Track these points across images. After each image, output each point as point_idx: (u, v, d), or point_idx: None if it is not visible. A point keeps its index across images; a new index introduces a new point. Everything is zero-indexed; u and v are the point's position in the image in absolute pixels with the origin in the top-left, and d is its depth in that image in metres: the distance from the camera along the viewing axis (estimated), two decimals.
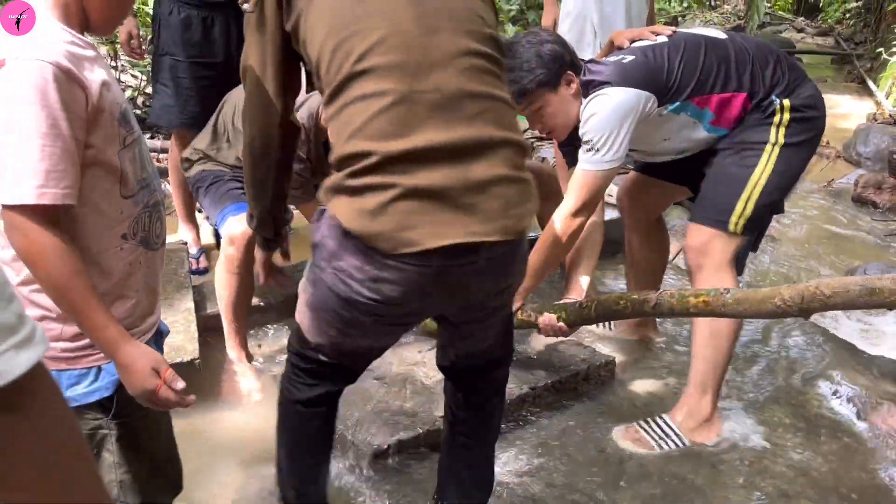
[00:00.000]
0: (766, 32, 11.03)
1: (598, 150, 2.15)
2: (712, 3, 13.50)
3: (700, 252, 2.27)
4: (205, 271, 3.27)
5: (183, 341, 2.49)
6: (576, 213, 2.23)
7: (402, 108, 1.37)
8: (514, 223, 1.43)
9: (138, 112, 4.80)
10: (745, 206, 2.22)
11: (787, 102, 2.20)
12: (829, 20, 12.30)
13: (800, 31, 11.92)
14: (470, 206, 1.38)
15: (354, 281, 1.44)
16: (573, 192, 2.23)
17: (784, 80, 2.22)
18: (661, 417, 2.38)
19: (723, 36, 2.33)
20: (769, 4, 12.41)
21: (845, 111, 6.66)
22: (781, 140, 2.20)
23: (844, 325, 3.01)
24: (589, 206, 2.25)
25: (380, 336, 1.64)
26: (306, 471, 1.79)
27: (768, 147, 2.20)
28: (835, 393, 2.61)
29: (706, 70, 2.20)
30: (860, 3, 10.62)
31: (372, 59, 1.39)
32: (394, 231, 1.37)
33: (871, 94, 7.25)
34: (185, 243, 3.32)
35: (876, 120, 6.25)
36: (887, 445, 2.36)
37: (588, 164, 2.19)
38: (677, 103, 2.20)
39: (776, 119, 2.20)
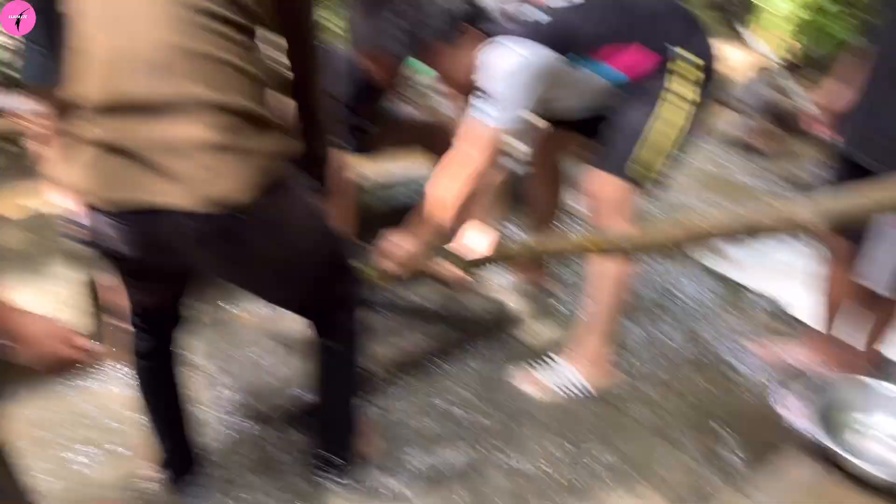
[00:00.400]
0: None
1: (489, 102, 2.15)
2: None
3: (597, 197, 2.31)
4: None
5: (67, 313, 2.39)
6: (461, 164, 2.22)
7: (93, 59, 1.36)
8: (212, 193, 1.35)
9: (6, 70, 4.50)
10: (641, 152, 2.27)
11: (684, 52, 2.24)
12: None
13: None
14: (161, 167, 1.33)
15: (84, 228, 1.49)
16: (460, 141, 2.22)
17: (681, 31, 2.26)
18: (557, 361, 2.45)
19: None
20: None
21: (728, 59, 6.89)
22: (678, 89, 2.25)
23: (712, 256, 3.19)
24: (476, 157, 2.23)
25: (140, 286, 1.69)
26: (155, 420, 1.88)
27: (664, 94, 2.25)
28: (717, 329, 2.76)
29: (607, 22, 2.21)
30: None
31: (76, 11, 1.40)
32: (81, 182, 1.38)
33: (750, 43, 7.51)
34: (63, 210, 3.16)
35: (758, 69, 6.50)
36: (768, 377, 2.52)
37: (479, 113, 2.18)
38: (577, 56, 2.21)
39: (674, 68, 2.24)
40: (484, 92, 2.16)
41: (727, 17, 8.84)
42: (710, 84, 2.33)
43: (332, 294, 1.79)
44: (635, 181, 2.31)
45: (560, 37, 2.18)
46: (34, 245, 2.72)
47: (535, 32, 2.16)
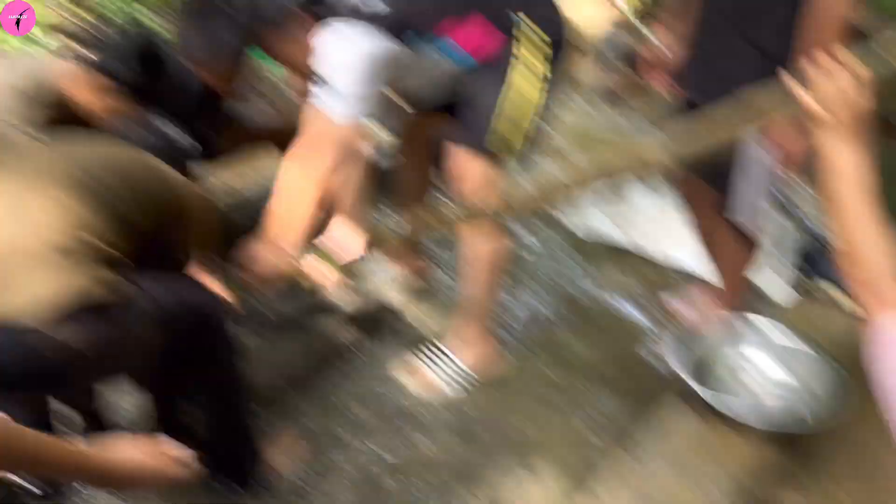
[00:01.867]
0: None
1: (331, 93, 1.98)
2: None
3: (462, 175, 2.22)
4: None
5: None
6: (309, 163, 2.02)
7: None
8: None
9: None
10: (498, 124, 2.17)
11: (525, 17, 2.13)
12: None
13: None
14: None
15: None
16: (305, 135, 2.06)
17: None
18: (441, 350, 2.37)
19: None
20: None
21: (585, 13, 6.94)
22: (527, 57, 2.15)
23: (593, 216, 3.14)
24: (324, 154, 2.02)
25: None
26: None
27: (513, 61, 2.14)
28: (608, 292, 2.74)
29: None
30: None
31: None
32: None
33: None
34: None
35: (615, 20, 6.56)
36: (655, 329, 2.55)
37: (322, 104, 2.01)
38: (418, 36, 2.06)
39: (519, 35, 2.13)
40: (323, 80, 1.99)
41: None
42: (561, 55, 2.23)
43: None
44: (496, 154, 2.21)
45: (398, 20, 2.03)
46: None
47: (373, 19, 2.01)
